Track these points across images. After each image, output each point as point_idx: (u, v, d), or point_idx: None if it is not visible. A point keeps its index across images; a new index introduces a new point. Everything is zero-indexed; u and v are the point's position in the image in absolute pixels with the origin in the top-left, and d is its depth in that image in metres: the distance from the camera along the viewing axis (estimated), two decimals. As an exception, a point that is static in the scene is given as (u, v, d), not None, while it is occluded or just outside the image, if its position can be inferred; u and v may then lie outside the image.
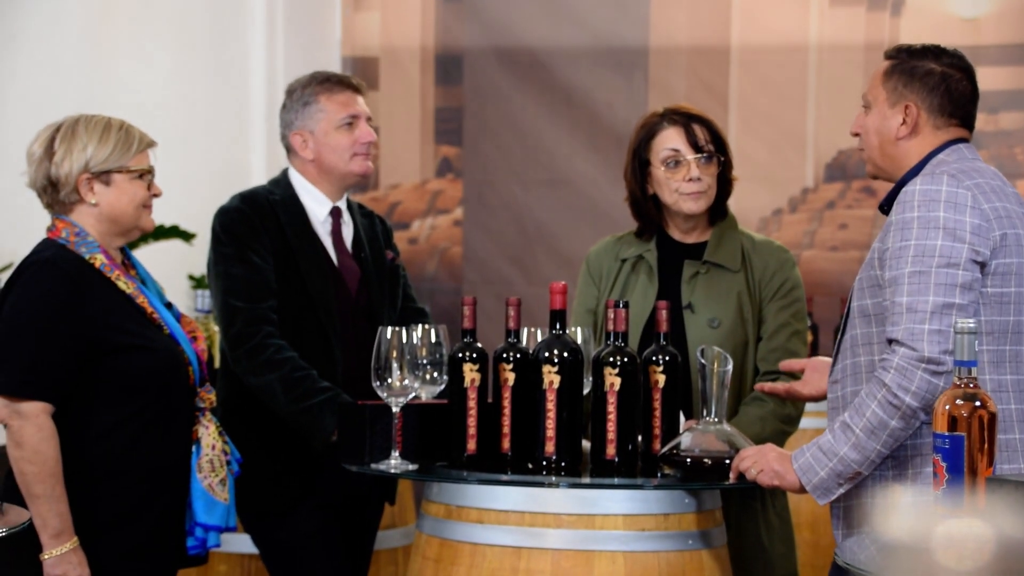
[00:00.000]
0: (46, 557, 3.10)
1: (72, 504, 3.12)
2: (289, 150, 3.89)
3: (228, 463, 3.32)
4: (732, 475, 3.01)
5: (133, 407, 3.19)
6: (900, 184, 2.94)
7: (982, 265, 2.80)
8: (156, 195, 3.31)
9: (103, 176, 3.24)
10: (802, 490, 2.90)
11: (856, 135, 3.04)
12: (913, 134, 2.94)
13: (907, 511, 1.22)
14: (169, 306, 3.35)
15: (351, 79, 3.89)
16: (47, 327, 3.13)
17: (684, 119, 3.54)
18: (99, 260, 3.22)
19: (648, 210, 3.60)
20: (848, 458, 2.82)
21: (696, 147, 3.52)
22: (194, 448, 3.27)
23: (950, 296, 2.74)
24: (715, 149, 3.54)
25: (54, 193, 3.25)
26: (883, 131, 2.97)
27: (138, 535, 3.19)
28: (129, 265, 3.35)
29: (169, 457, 3.24)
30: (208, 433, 3.28)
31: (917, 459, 2.84)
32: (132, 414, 3.19)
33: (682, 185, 3.52)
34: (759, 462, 2.95)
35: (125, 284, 3.23)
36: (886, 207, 2.98)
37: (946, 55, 2.97)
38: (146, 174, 3.29)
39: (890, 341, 2.78)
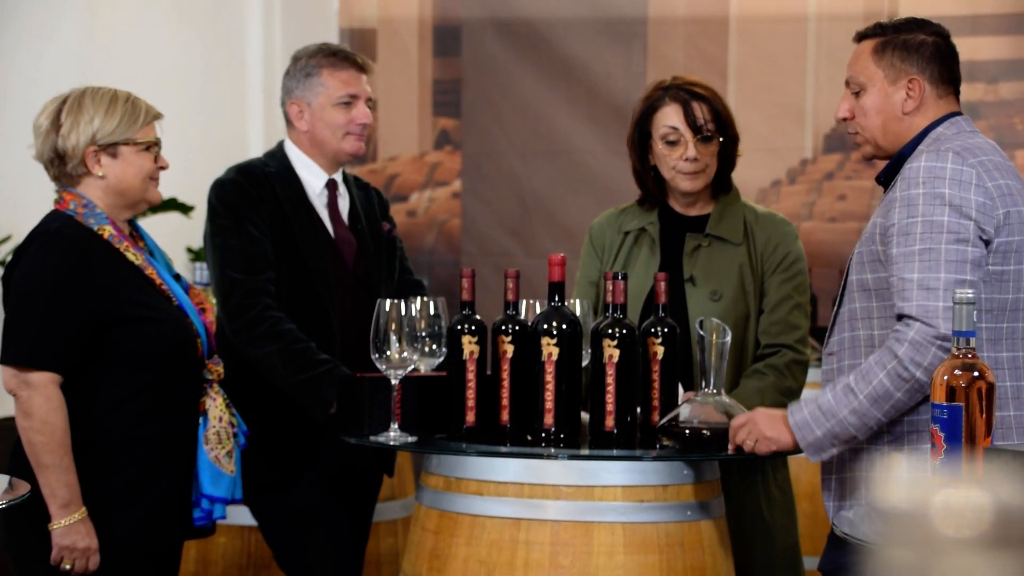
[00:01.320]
0: (55, 527, 3.11)
1: (81, 476, 3.13)
2: (287, 119, 3.88)
3: (235, 435, 3.32)
4: (730, 447, 3.02)
5: (142, 379, 3.19)
6: (899, 157, 2.94)
7: (986, 243, 2.79)
8: (163, 167, 3.31)
9: (110, 148, 3.23)
10: (796, 447, 2.90)
11: (844, 119, 3.01)
12: (919, 107, 2.94)
13: (904, 482, 1.22)
14: (178, 278, 3.35)
15: (357, 57, 3.86)
16: (56, 298, 3.13)
17: (685, 96, 3.51)
18: (107, 231, 3.21)
19: (650, 182, 3.59)
20: (847, 421, 2.82)
21: (694, 127, 3.49)
22: (201, 420, 3.27)
23: (961, 273, 2.74)
24: (715, 129, 3.51)
25: (61, 165, 3.24)
26: (886, 109, 2.95)
27: (146, 507, 3.20)
28: (137, 237, 3.35)
29: (177, 429, 3.24)
30: (215, 405, 3.28)
31: (914, 435, 2.85)
32: (141, 386, 3.19)
33: (679, 163, 3.50)
34: (752, 432, 2.95)
35: (133, 255, 3.23)
36: (883, 179, 2.97)
37: (927, 24, 2.98)
38: (153, 146, 3.28)
39: (900, 316, 2.77)
